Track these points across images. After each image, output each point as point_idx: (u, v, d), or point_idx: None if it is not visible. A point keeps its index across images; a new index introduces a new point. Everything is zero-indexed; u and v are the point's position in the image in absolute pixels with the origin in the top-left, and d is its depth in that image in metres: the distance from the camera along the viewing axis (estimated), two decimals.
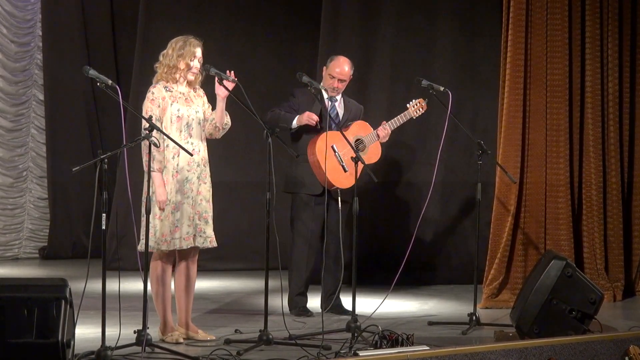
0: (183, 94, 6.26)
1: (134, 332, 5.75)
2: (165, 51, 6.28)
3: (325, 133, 7.13)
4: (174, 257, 6.33)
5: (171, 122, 6.17)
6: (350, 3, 9.64)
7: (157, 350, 5.78)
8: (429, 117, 8.44)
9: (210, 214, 6.31)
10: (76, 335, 5.35)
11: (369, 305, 7.33)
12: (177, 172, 6.16)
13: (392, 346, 5.70)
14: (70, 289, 5.18)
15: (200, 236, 6.25)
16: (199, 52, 6.25)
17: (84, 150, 11.40)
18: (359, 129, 7.36)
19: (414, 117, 7.43)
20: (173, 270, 6.37)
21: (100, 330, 5.50)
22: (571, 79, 8.35)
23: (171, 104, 6.19)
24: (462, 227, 9.45)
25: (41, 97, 11.57)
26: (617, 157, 8.49)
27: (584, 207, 8.39)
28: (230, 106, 6.33)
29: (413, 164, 9.55)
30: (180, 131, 6.19)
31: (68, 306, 5.12)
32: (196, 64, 6.24)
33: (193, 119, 6.24)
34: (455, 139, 8.99)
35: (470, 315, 6.95)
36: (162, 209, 6.11)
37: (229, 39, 10.57)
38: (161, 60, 6.28)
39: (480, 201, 7.17)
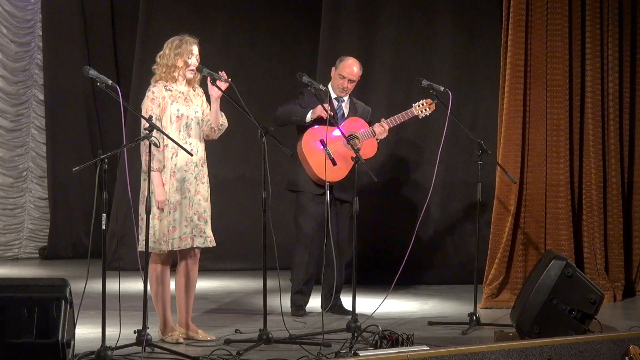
0: (183, 93, 6.27)
1: (134, 332, 5.75)
2: (161, 52, 6.29)
3: (312, 128, 7.21)
4: (173, 257, 6.32)
5: (171, 121, 6.17)
6: (350, 3, 9.64)
7: (157, 350, 5.78)
8: (429, 117, 8.44)
9: (209, 213, 6.31)
10: (76, 335, 5.34)
11: (369, 305, 7.33)
12: (175, 171, 6.16)
13: (392, 346, 5.70)
14: (70, 289, 5.17)
15: (200, 236, 6.25)
16: (195, 49, 6.26)
17: (84, 150, 11.41)
18: (352, 125, 7.34)
19: (420, 117, 7.42)
20: (172, 270, 6.36)
21: (100, 330, 5.50)
22: (571, 79, 8.35)
23: (171, 104, 6.19)
24: (462, 227, 9.45)
25: (41, 97, 11.57)
26: (617, 157, 8.49)
27: (584, 207, 8.39)
28: (227, 106, 6.33)
29: (413, 164, 9.56)
30: (179, 131, 6.19)
31: (68, 306, 5.12)
32: (194, 61, 6.25)
33: (192, 119, 6.24)
34: (455, 139, 9.00)
35: (470, 315, 6.95)
36: (160, 209, 6.11)
37: (229, 38, 10.58)
38: (159, 62, 6.28)
39: (480, 201, 7.17)
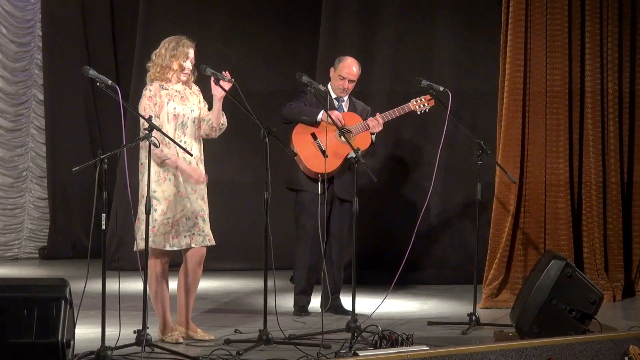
0: (179, 92, 6.27)
1: (134, 332, 5.75)
2: (158, 50, 6.28)
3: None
4: (173, 257, 6.32)
5: (167, 120, 6.18)
6: (350, 3, 9.65)
7: (157, 350, 5.78)
8: (429, 117, 8.44)
9: (207, 212, 6.31)
10: (76, 335, 5.34)
11: (369, 305, 7.32)
12: (172, 170, 6.15)
13: (392, 346, 5.70)
14: (70, 289, 5.18)
15: (200, 235, 6.25)
16: (191, 53, 6.25)
17: (84, 150, 11.40)
18: (347, 119, 7.33)
19: (419, 112, 7.42)
20: (174, 270, 6.36)
21: (100, 330, 5.50)
22: (571, 79, 8.35)
23: (167, 102, 6.19)
24: (462, 227, 9.45)
25: (41, 97, 11.57)
26: (617, 157, 8.49)
27: (583, 207, 8.39)
28: (227, 105, 6.33)
29: (413, 164, 9.56)
30: (175, 129, 6.19)
31: (68, 306, 5.12)
32: (188, 65, 6.25)
33: (188, 118, 6.24)
34: (455, 139, 9.00)
35: (470, 315, 6.95)
36: (202, 181, 6.13)
37: (228, 38, 10.57)
38: (154, 60, 6.28)
39: (480, 201, 7.17)
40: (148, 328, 5.74)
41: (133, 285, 8.02)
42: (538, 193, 8.29)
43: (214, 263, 9.95)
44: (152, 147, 5.79)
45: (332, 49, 9.26)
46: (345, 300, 7.31)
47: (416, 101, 7.37)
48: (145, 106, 6.15)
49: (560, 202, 8.28)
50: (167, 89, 6.23)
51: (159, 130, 5.93)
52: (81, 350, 5.49)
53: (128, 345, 5.70)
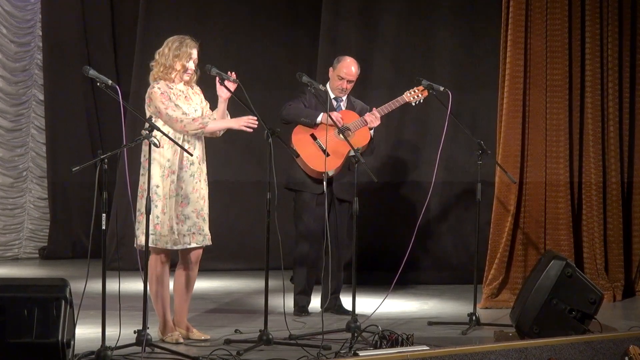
0: (182, 92, 6.28)
1: (134, 332, 5.75)
2: (161, 50, 6.28)
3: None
4: (172, 257, 6.32)
5: None
6: (350, 3, 9.65)
7: (157, 350, 5.78)
8: (429, 117, 8.47)
9: (207, 211, 6.31)
10: (76, 335, 5.34)
11: (369, 305, 7.32)
12: (174, 170, 6.16)
13: (392, 346, 5.71)
14: (70, 289, 5.18)
15: (200, 234, 6.25)
16: (194, 53, 6.26)
17: (84, 150, 11.39)
18: (345, 117, 7.33)
19: (413, 104, 7.41)
20: (171, 270, 6.36)
21: (100, 330, 5.50)
22: (571, 79, 8.35)
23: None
24: (462, 227, 9.45)
25: (41, 97, 11.56)
26: (617, 157, 8.49)
27: (584, 207, 8.39)
28: (230, 105, 6.34)
29: (413, 164, 9.56)
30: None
31: (68, 306, 5.12)
32: (191, 65, 6.25)
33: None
34: (455, 139, 8.99)
35: (470, 315, 6.95)
36: (248, 126, 6.17)
37: (228, 38, 10.57)
38: (157, 59, 6.28)
39: (480, 201, 7.17)
40: (148, 328, 5.74)
41: (133, 285, 8.02)
42: (538, 193, 8.29)
43: (214, 263, 9.98)
44: (190, 121, 5.88)
45: (332, 49, 9.26)
46: (345, 300, 7.31)
47: (409, 93, 7.36)
48: (163, 101, 6.12)
49: (560, 202, 8.28)
50: (172, 89, 6.23)
51: (159, 130, 5.93)
52: (81, 350, 5.49)
53: (128, 345, 5.70)
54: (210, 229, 6.34)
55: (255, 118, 6.17)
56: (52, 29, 11.47)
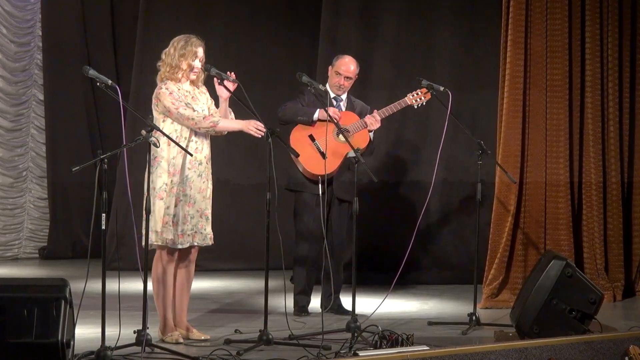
0: (189, 92, 6.28)
1: (134, 332, 5.75)
2: (167, 50, 6.28)
3: (301, 125, 7.25)
4: (176, 257, 6.32)
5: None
6: (350, 3, 9.65)
7: (157, 350, 5.78)
8: (429, 117, 8.47)
9: (210, 211, 6.32)
10: (76, 335, 5.34)
11: (369, 305, 7.32)
12: (180, 169, 6.16)
13: (392, 346, 5.71)
14: (70, 289, 5.18)
15: (201, 233, 6.26)
16: (200, 51, 6.26)
17: (84, 150, 11.40)
18: (344, 118, 7.33)
19: (415, 106, 7.40)
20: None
21: (100, 330, 5.50)
22: (571, 79, 8.35)
23: None
24: (462, 227, 9.45)
25: (41, 97, 11.57)
26: (617, 157, 8.49)
27: (584, 207, 8.39)
28: (230, 105, 6.35)
29: (413, 164, 9.56)
30: (189, 129, 6.20)
31: (68, 306, 5.12)
32: (197, 64, 6.25)
33: None
34: (455, 139, 9.00)
35: (470, 315, 6.95)
36: (257, 130, 6.16)
37: (228, 38, 10.57)
38: (163, 59, 6.28)
39: (480, 201, 7.17)
40: (148, 328, 5.74)
41: (133, 285, 8.02)
42: (538, 193, 8.29)
43: (214, 263, 10.00)
44: (201, 119, 5.93)
45: (332, 49, 9.26)
46: (345, 300, 7.31)
47: (412, 95, 7.36)
48: (172, 101, 6.13)
49: (560, 202, 8.28)
50: (179, 89, 6.24)
51: (159, 130, 5.94)
52: (81, 350, 5.49)
53: (128, 345, 5.70)
54: (211, 228, 6.35)
55: (263, 126, 6.18)
56: (52, 29, 11.48)
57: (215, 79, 6.22)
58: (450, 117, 7.07)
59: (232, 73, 6.24)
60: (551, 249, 7.93)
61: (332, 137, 7.16)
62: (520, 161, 8.26)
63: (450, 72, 9.41)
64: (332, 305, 7.45)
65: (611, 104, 8.46)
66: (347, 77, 7.44)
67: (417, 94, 7.34)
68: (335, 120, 6.98)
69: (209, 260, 9.70)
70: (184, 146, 6.12)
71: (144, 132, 5.78)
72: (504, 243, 8.18)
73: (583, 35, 8.37)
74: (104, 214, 5.49)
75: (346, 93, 7.54)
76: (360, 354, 5.35)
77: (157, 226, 6.10)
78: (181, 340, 6.19)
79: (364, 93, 8.61)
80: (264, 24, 10.76)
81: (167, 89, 6.18)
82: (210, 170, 6.35)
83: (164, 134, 6.00)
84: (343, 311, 7.39)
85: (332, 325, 6.80)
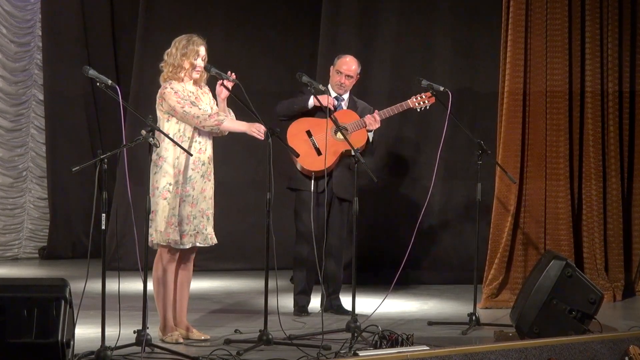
0: (193, 93, 6.29)
1: (134, 332, 5.75)
2: (169, 50, 6.30)
3: (299, 120, 7.28)
4: (176, 257, 6.32)
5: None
6: (350, 3, 9.64)
7: (156, 350, 5.78)
8: (429, 117, 8.45)
9: (212, 211, 6.33)
10: (76, 335, 5.35)
11: (369, 305, 7.32)
12: (183, 169, 6.16)
13: (392, 346, 5.71)
14: (70, 289, 5.18)
15: (202, 233, 6.26)
16: (202, 50, 6.27)
17: (84, 150, 11.40)
18: (344, 116, 7.33)
19: (418, 110, 7.40)
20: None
21: (100, 330, 5.50)
22: (571, 79, 8.35)
23: None
24: (462, 227, 9.45)
25: (41, 97, 11.56)
26: (617, 157, 8.49)
27: (583, 207, 8.39)
28: (230, 105, 6.35)
29: (413, 164, 9.56)
30: (193, 129, 6.21)
31: (68, 306, 5.12)
32: (200, 62, 6.25)
33: None
34: (455, 139, 8.99)
35: (470, 315, 6.95)
36: (262, 131, 6.19)
37: (228, 38, 10.57)
38: (166, 60, 6.29)
39: (480, 201, 7.17)
40: (148, 328, 5.74)
41: (133, 285, 8.02)
42: (538, 193, 8.29)
43: (214, 263, 10.00)
44: (206, 117, 5.97)
45: (332, 49, 9.26)
46: (345, 300, 7.31)
47: (416, 98, 7.36)
48: (178, 101, 6.13)
49: (560, 202, 8.28)
50: (184, 89, 6.24)
51: (159, 130, 5.94)
52: (81, 350, 5.49)
53: (128, 345, 5.70)
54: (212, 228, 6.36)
55: (264, 127, 6.19)
56: (52, 29, 11.47)
57: (219, 79, 6.24)
58: (450, 117, 7.07)
59: (233, 73, 6.25)
60: (551, 249, 7.93)
61: (330, 135, 7.16)
62: (520, 161, 8.26)
63: (450, 72, 9.41)
64: (331, 305, 7.44)
65: (611, 104, 8.46)
66: (348, 76, 7.45)
67: (422, 97, 7.33)
68: (327, 107, 6.96)
69: (209, 260, 9.70)
70: (188, 146, 6.13)
71: (144, 132, 5.78)
72: (504, 243, 8.18)
73: (583, 35, 8.37)
74: (104, 214, 5.49)
75: (348, 93, 7.54)
76: (360, 354, 5.35)
77: (161, 226, 6.11)
78: (181, 340, 6.20)
79: (364, 93, 8.61)
80: (263, 24, 10.76)
81: (172, 88, 6.19)
82: (213, 171, 6.35)
83: (164, 134, 6.01)
84: (343, 311, 7.39)
85: (332, 325, 6.80)
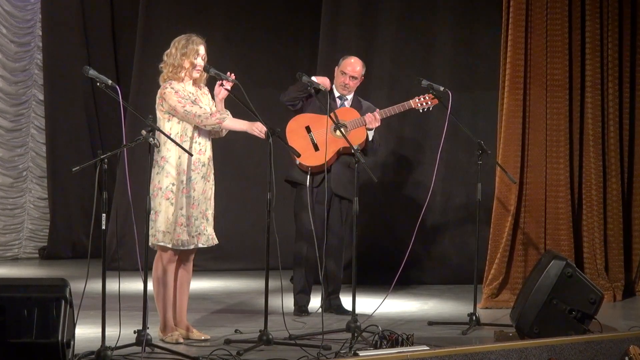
0: (192, 93, 6.28)
1: (134, 332, 5.75)
2: (168, 50, 6.29)
3: (299, 115, 7.30)
4: (176, 258, 6.32)
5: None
6: (350, 3, 9.64)
7: (157, 350, 5.78)
8: (429, 117, 8.45)
9: (212, 211, 6.33)
10: (76, 335, 5.34)
11: (369, 305, 7.32)
12: (183, 170, 6.16)
13: (392, 346, 5.70)
14: (70, 289, 5.18)
15: (204, 234, 6.26)
16: (202, 49, 6.27)
17: (84, 150, 11.40)
18: (344, 114, 7.34)
19: (420, 110, 7.40)
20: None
21: (100, 330, 5.50)
22: (571, 79, 8.35)
23: None
24: (462, 227, 9.45)
25: (41, 97, 11.57)
26: (617, 157, 8.49)
27: (584, 207, 8.39)
28: (231, 105, 6.34)
29: (413, 164, 9.56)
30: (193, 130, 6.21)
31: (68, 306, 5.12)
32: (200, 61, 6.25)
33: None
34: (455, 139, 8.99)
35: (470, 315, 6.95)
36: (262, 130, 6.19)
37: (228, 38, 10.57)
38: (165, 60, 6.29)
39: (480, 201, 7.17)
40: (148, 328, 5.74)
41: (133, 285, 8.02)
42: (538, 193, 8.29)
43: (214, 263, 10.00)
44: (208, 116, 5.97)
45: (332, 49, 9.26)
46: (345, 300, 7.31)
47: (418, 99, 7.36)
48: (179, 101, 6.13)
49: (560, 202, 8.28)
50: (184, 89, 6.24)
51: (160, 130, 5.94)
52: (81, 350, 5.49)
53: (128, 345, 5.70)
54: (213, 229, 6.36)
55: (264, 127, 6.19)
56: (52, 29, 11.47)
57: (218, 80, 6.24)
58: (450, 117, 7.07)
59: (232, 74, 6.25)
60: (551, 249, 7.93)
61: (329, 131, 7.15)
62: (520, 161, 8.26)
63: (450, 72, 9.41)
64: (331, 305, 7.44)
65: (611, 104, 8.46)
66: (353, 77, 7.46)
67: (424, 98, 7.33)
68: (323, 88, 6.95)
69: (209, 260, 9.70)
70: (189, 146, 6.13)
71: (144, 132, 5.78)
72: (504, 243, 8.18)
73: (583, 35, 8.37)
74: (104, 214, 5.49)
75: (352, 93, 7.54)
76: (360, 354, 5.35)
77: (164, 226, 6.10)
78: (181, 340, 6.20)
79: (364, 93, 8.60)
80: (263, 24, 10.76)
81: (172, 88, 6.19)
82: (212, 171, 6.35)
83: (164, 134, 6.01)
84: (343, 311, 7.39)
85: (332, 325, 6.80)
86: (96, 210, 5.48)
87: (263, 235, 6.22)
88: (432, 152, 8.71)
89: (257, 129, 6.25)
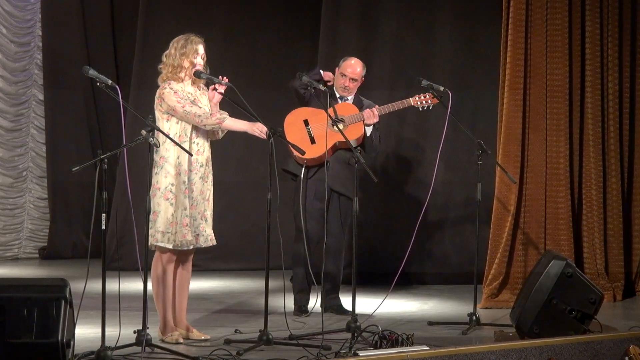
0: (191, 94, 6.28)
1: (134, 332, 5.75)
2: (167, 51, 6.29)
3: (298, 109, 7.30)
4: (175, 258, 6.32)
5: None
6: (350, 3, 9.65)
7: (157, 350, 5.78)
8: (429, 117, 8.46)
9: (210, 212, 6.33)
10: (76, 335, 5.35)
11: (369, 305, 7.32)
12: (182, 171, 6.16)
13: (392, 346, 5.71)
14: (70, 289, 5.18)
15: (202, 235, 6.26)
16: (201, 49, 6.27)
17: (84, 150, 11.40)
18: (342, 109, 7.34)
19: (420, 109, 7.39)
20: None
21: (100, 330, 5.50)
22: (571, 79, 8.35)
23: None
24: (462, 227, 9.44)
25: (41, 97, 11.57)
26: (617, 157, 8.49)
27: (584, 207, 8.39)
28: (231, 106, 6.34)
29: (413, 164, 9.56)
30: (191, 130, 6.21)
31: (68, 306, 5.12)
32: (199, 61, 6.25)
33: None
34: (455, 139, 8.99)
35: (470, 315, 6.95)
36: (262, 130, 6.18)
37: (228, 38, 10.58)
38: (165, 61, 6.29)
39: (480, 201, 7.17)
40: (148, 328, 5.74)
41: (133, 285, 8.02)
42: (538, 193, 8.29)
43: (214, 263, 10.00)
44: (208, 116, 5.97)
45: (332, 49, 9.26)
46: (345, 300, 7.31)
47: (418, 97, 7.35)
48: (179, 101, 6.13)
49: (560, 202, 8.28)
50: (183, 89, 6.23)
51: (160, 130, 5.95)
52: (81, 350, 5.49)
53: (128, 345, 5.70)
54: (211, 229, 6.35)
55: (265, 128, 6.19)
56: (52, 29, 11.47)
57: (211, 85, 6.23)
58: (450, 117, 7.07)
59: (225, 77, 6.22)
60: (551, 249, 7.93)
61: (326, 126, 7.15)
62: (520, 161, 8.26)
63: (450, 72, 9.41)
64: (331, 305, 7.44)
65: (611, 104, 8.46)
66: (353, 79, 7.46)
67: (424, 96, 7.33)
68: (327, 80, 6.90)
69: (209, 260, 9.70)
70: (188, 147, 6.13)
71: (144, 132, 5.78)
72: (504, 243, 8.18)
73: (583, 35, 8.37)
74: (104, 214, 5.49)
75: (353, 95, 7.54)
76: (360, 354, 5.35)
77: (163, 226, 6.10)
78: (181, 340, 6.20)
79: (364, 93, 8.60)
80: (264, 24, 10.76)
81: (171, 88, 6.19)
82: (211, 172, 6.35)
83: (164, 134, 6.01)
84: (343, 311, 7.39)
85: (332, 325, 6.80)
86: (96, 210, 5.48)
87: (263, 235, 6.21)
88: (432, 152, 8.71)
89: (258, 129, 6.26)
